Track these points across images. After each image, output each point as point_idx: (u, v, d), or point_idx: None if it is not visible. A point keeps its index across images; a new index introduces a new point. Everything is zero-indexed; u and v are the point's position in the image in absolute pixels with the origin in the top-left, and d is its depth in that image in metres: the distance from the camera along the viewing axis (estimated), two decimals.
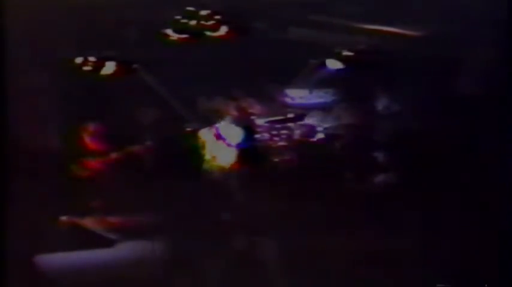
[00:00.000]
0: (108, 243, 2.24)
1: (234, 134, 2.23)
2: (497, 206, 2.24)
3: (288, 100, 2.26)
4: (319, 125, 2.26)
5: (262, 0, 2.25)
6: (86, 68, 2.22)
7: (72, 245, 2.23)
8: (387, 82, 2.25)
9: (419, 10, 2.24)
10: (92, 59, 2.21)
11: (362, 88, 2.26)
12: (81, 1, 2.23)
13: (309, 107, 2.27)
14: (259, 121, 2.25)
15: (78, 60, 2.21)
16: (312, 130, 2.26)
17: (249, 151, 2.24)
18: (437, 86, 2.25)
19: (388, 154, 2.25)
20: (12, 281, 2.22)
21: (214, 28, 2.24)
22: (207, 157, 2.24)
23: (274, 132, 2.25)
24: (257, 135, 2.25)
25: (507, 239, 2.24)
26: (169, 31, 2.24)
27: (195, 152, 2.24)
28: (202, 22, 2.24)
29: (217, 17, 2.24)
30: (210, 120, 2.25)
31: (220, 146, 2.23)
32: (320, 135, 2.26)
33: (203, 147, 2.24)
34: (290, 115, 2.27)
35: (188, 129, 2.24)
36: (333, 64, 2.26)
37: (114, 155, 2.24)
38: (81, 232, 2.23)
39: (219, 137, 2.24)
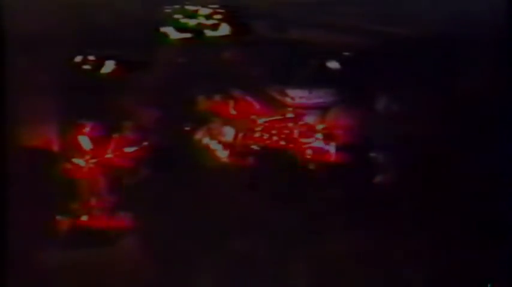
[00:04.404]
0: (108, 242, 2.24)
1: None
2: (497, 207, 2.24)
3: (288, 100, 2.26)
4: (319, 125, 2.26)
5: (262, 0, 2.25)
6: (85, 67, 2.22)
7: (72, 244, 2.23)
8: (387, 82, 2.25)
9: (419, 10, 2.24)
10: (91, 58, 2.21)
11: (362, 88, 2.26)
12: (81, 1, 2.24)
13: (308, 107, 2.26)
14: (259, 121, 2.26)
15: (78, 59, 2.22)
16: (311, 130, 2.26)
17: None
18: (437, 86, 2.25)
19: (388, 154, 2.25)
20: (12, 281, 2.22)
21: (215, 27, 2.24)
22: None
23: (274, 131, 2.25)
24: (257, 135, 2.26)
25: (507, 239, 2.24)
26: (169, 30, 2.24)
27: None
28: (202, 21, 2.25)
29: (218, 16, 2.24)
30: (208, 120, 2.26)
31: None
32: (319, 135, 2.26)
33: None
34: (290, 115, 2.27)
35: (187, 128, 2.25)
36: (333, 64, 2.25)
37: (113, 154, 2.25)
38: (80, 231, 2.23)
39: None
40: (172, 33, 2.24)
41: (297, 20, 2.26)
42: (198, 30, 2.25)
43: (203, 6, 2.25)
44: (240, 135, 2.25)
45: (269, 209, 2.24)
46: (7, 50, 2.21)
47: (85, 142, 2.23)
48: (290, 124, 2.26)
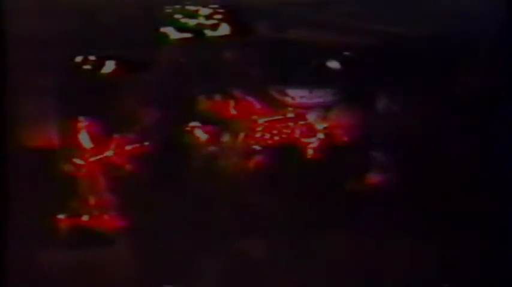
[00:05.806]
0: (108, 242, 2.24)
1: None
2: (498, 207, 2.24)
3: (288, 100, 2.26)
4: (320, 125, 2.26)
5: (262, 0, 2.25)
6: (85, 67, 2.22)
7: (72, 244, 2.23)
8: (387, 82, 2.25)
9: (419, 10, 2.24)
10: (91, 58, 2.21)
11: (362, 88, 2.26)
12: (81, 1, 2.24)
13: (309, 106, 2.26)
14: (260, 121, 2.26)
15: (78, 59, 2.21)
16: (312, 130, 2.26)
17: None
18: (437, 86, 2.25)
19: (388, 154, 2.25)
20: (12, 281, 2.21)
21: (215, 27, 2.24)
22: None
23: (275, 131, 2.25)
24: (257, 135, 2.26)
25: (507, 239, 2.24)
26: (169, 30, 2.24)
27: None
28: (202, 21, 2.25)
29: (218, 16, 2.24)
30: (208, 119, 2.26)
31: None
32: (320, 135, 2.26)
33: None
34: (290, 115, 2.27)
35: (187, 128, 2.25)
36: (333, 64, 2.26)
37: (113, 153, 2.24)
38: (80, 231, 2.22)
39: None
40: (172, 33, 2.24)
41: (297, 20, 2.26)
42: (198, 30, 2.25)
43: (203, 6, 2.25)
44: (241, 135, 2.25)
45: (270, 209, 2.24)
46: (7, 50, 2.21)
47: (85, 141, 2.23)
48: (291, 124, 2.26)
